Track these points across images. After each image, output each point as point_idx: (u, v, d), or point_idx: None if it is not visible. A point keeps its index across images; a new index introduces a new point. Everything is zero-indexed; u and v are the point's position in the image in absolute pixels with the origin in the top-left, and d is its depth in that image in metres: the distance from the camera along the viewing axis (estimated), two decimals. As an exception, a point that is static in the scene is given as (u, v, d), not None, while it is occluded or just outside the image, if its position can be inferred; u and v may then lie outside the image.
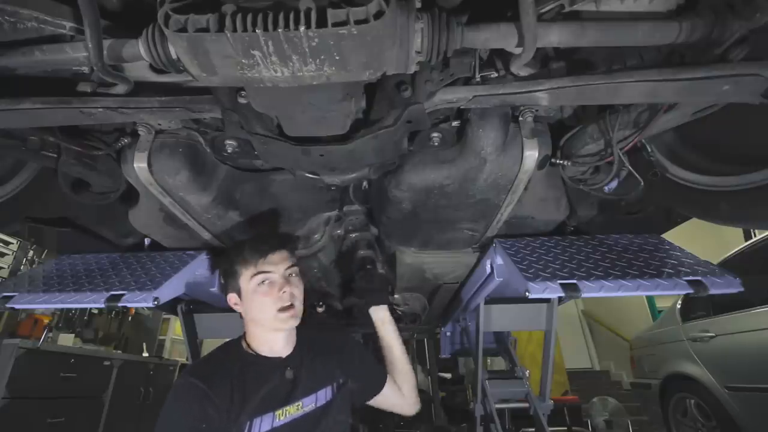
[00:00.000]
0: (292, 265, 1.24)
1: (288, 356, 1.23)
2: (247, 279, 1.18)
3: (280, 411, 1.13)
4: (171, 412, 1.08)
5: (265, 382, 1.15)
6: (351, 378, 1.33)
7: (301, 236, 1.61)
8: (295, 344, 1.27)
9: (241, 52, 0.64)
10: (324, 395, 1.23)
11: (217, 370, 1.14)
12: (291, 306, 1.18)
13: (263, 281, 1.18)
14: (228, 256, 1.26)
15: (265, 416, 1.11)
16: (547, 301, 2.01)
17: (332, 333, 1.46)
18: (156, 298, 1.24)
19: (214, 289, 1.59)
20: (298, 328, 1.27)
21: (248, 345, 1.23)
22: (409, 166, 1.23)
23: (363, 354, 1.43)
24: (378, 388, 1.40)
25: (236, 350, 1.22)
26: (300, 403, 1.17)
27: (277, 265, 1.20)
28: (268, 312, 1.17)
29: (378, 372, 1.43)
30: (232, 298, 1.23)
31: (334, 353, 1.33)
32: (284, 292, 1.18)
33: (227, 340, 1.30)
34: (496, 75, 0.96)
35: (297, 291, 1.22)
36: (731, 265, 2.64)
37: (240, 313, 1.25)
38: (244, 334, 1.26)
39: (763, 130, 1.03)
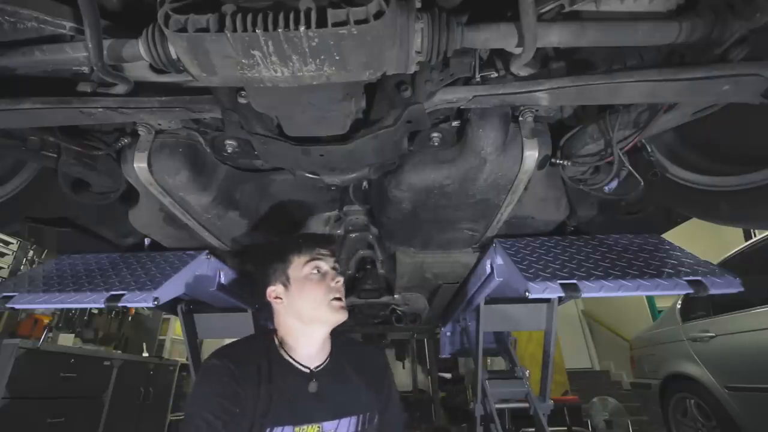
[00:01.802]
0: (336, 264, 1.23)
1: (316, 368, 1.15)
2: (299, 266, 1.16)
3: (299, 428, 1.07)
4: (201, 388, 1.05)
5: (288, 390, 1.09)
6: (378, 410, 1.21)
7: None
8: (328, 355, 1.19)
9: (241, 52, 0.64)
10: (347, 425, 1.13)
11: (246, 358, 1.10)
12: (341, 299, 1.15)
13: (316, 269, 1.16)
14: (276, 248, 1.24)
15: (286, 428, 1.06)
16: (547, 301, 2.01)
17: (366, 349, 1.36)
18: (156, 298, 1.25)
19: (214, 289, 1.59)
20: (333, 339, 1.21)
21: (280, 343, 1.16)
22: (409, 166, 1.23)
23: (392, 385, 1.28)
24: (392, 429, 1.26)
25: (266, 344, 1.16)
26: (320, 426, 1.09)
27: (329, 259, 1.20)
28: (319, 300, 1.12)
29: (397, 414, 1.28)
30: (272, 292, 1.17)
31: (366, 372, 1.22)
32: (338, 282, 1.16)
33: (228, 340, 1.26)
34: (496, 75, 0.96)
35: (343, 289, 1.19)
36: (731, 265, 2.64)
37: (273, 310, 1.20)
38: (275, 330, 1.19)
39: (763, 130, 1.03)
